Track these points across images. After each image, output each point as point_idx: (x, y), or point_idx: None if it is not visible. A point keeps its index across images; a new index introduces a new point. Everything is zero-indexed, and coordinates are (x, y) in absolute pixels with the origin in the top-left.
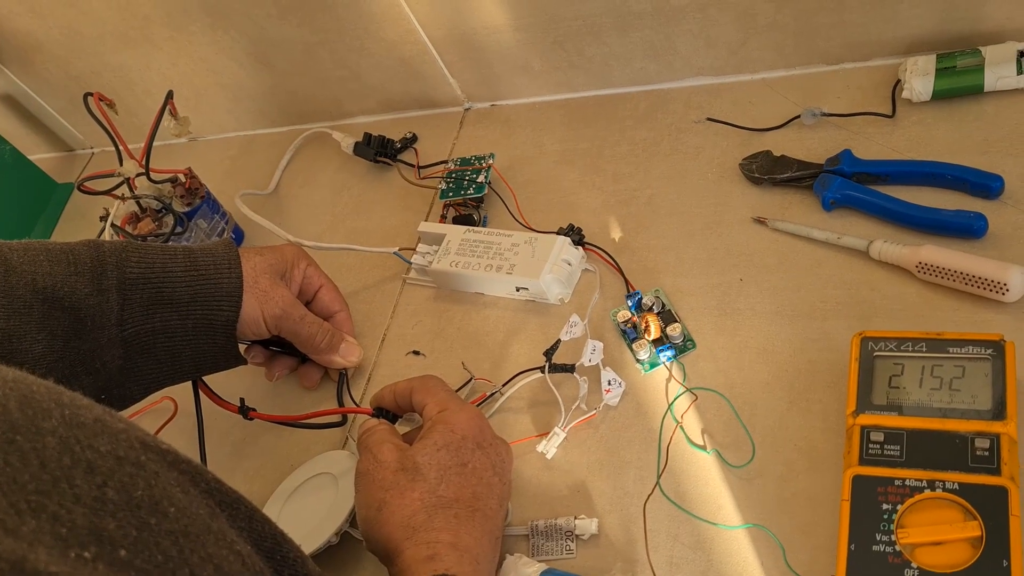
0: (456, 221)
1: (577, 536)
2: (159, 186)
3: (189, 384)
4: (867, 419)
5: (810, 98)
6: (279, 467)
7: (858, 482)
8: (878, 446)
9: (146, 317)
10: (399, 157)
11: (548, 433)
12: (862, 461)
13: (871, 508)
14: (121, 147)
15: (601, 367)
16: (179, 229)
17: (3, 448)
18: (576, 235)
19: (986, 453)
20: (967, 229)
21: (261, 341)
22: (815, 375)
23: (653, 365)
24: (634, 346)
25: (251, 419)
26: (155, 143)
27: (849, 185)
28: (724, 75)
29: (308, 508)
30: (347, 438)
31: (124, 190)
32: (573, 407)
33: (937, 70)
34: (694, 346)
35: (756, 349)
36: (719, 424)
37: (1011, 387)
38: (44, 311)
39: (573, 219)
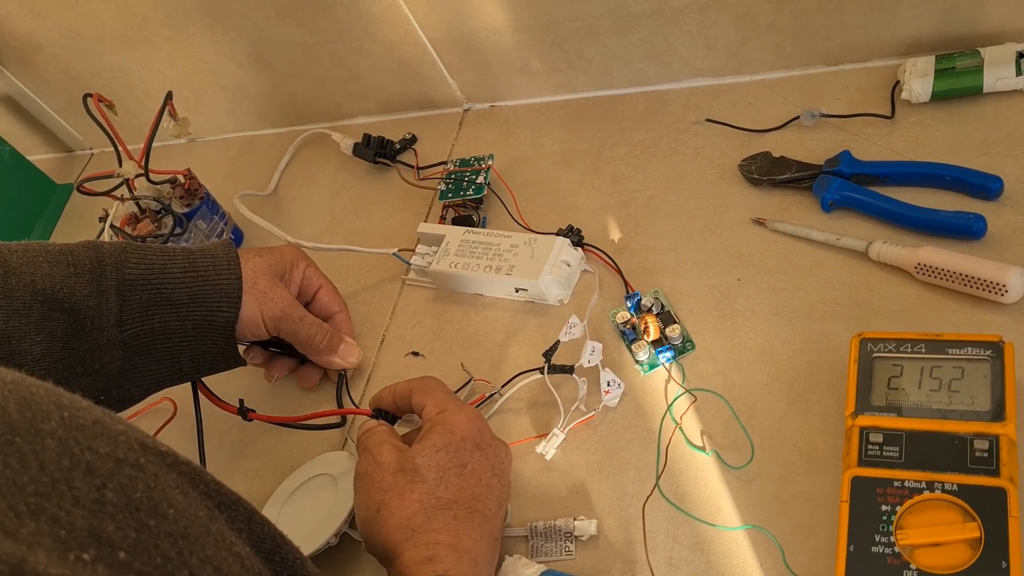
0: (455, 222)
1: (576, 537)
2: (158, 187)
3: (188, 385)
4: (866, 420)
5: (809, 99)
6: (278, 468)
7: (857, 483)
8: (877, 447)
9: (145, 318)
10: (398, 158)
11: (547, 434)
12: (861, 462)
13: (870, 509)
14: (120, 148)
15: (600, 368)
16: (178, 230)
17: (2, 450)
18: (575, 236)
19: (985, 454)
20: (966, 230)
21: (260, 342)
22: (814, 376)
23: (652, 366)
24: (633, 347)
25: (250, 420)
26: (154, 144)
27: (848, 186)
28: (723, 76)
29: (307, 509)
30: (346, 439)
31: (123, 191)
32: (572, 408)
33: (936, 71)
34: (693, 347)
35: (755, 350)
36: (718, 425)
37: (1010, 388)
38: (43, 312)
39: (572, 220)
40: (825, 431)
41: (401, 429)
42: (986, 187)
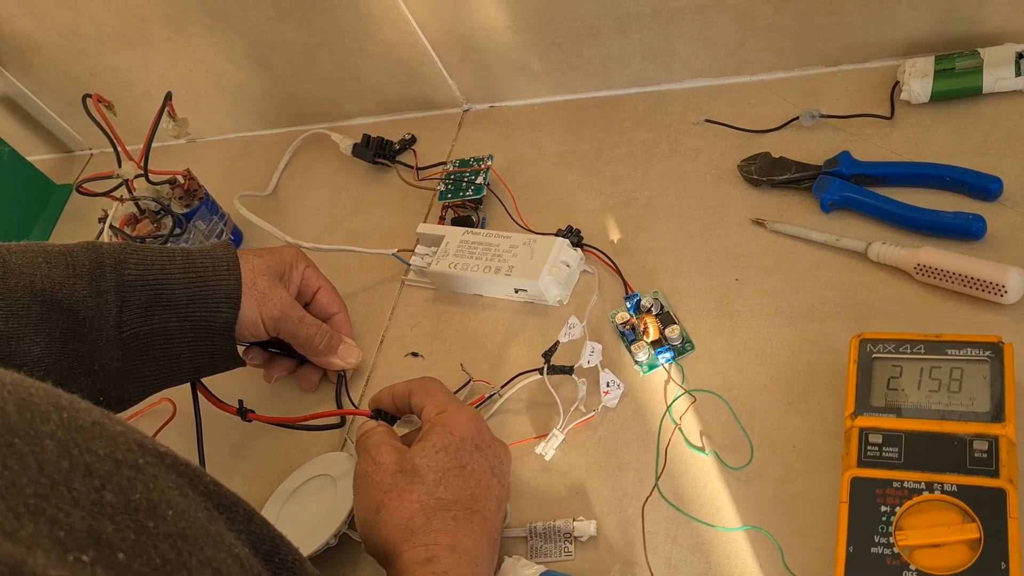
0: (455, 222)
1: (576, 538)
2: (158, 187)
3: (188, 386)
4: (865, 421)
5: (809, 100)
6: (277, 469)
7: (856, 484)
8: (876, 448)
9: (144, 319)
10: (398, 158)
11: (547, 435)
12: (860, 463)
13: (869, 510)
14: (120, 148)
15: (600, 369)
16: (178, 231)
17: (2, 451)
18: (575, 237)
19: (984, 455)
20: (965, 231)
21: (260, 343)
22: (814, 377)
23: (652, 367)
24: (633, 348)
25: (249, 421)
26: (154, 144)
27: (848, 187)
28: (723, 77)
29: (306, 510)
30: (346, 440)
31: (123, 191)
32: (572, 409)
33: (936, 72)
34: (692, 348)
35: (755, 351)
36: (717, 426)
37: (1009, 389)
38: (42, 313)
39: (572, 221)
40: (824, 432)
41: (400, 430)
42: (985, 188)
